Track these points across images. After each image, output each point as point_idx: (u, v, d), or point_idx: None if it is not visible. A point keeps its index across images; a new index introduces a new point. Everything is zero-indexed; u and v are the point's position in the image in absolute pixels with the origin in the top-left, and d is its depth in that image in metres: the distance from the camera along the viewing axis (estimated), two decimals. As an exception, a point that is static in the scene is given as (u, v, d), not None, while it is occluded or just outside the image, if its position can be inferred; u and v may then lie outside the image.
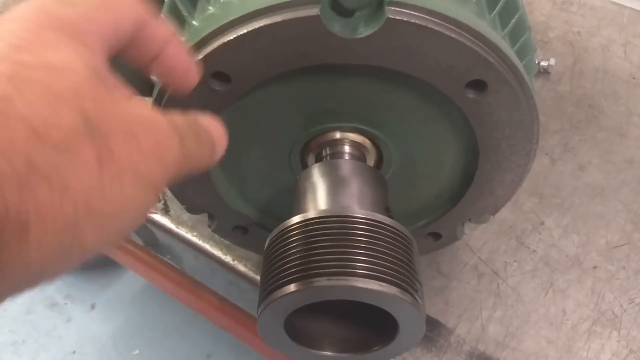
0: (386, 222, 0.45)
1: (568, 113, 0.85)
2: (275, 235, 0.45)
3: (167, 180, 0.31)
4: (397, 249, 0.44)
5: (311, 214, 0.45)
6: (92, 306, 1.59)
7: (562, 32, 0.97)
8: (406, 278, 0.42)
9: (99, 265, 1.62)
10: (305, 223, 0.44)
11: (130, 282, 1.60)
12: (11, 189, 0.23)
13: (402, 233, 0.45)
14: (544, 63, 0.89)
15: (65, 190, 0.24)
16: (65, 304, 1.59)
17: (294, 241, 0.44)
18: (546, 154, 0.79)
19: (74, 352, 1.50)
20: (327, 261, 0.42)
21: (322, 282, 0.40)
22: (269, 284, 0.42)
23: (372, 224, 0.44)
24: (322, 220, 0.44)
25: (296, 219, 0.45)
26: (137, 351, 1.49)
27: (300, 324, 0.46)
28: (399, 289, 0.41)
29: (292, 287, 0.41)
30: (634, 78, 0.90)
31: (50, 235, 0.24)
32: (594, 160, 0.79)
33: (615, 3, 1.03)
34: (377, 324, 0.46)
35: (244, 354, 1.45)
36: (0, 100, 0.24)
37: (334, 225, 0.44)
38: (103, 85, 0.28)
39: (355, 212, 0.45)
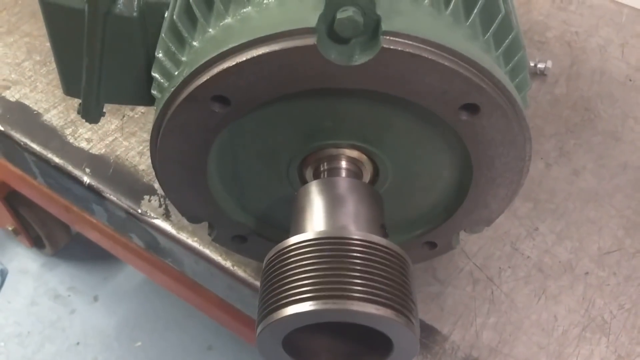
0: (382, 243, 0.46)
1: (564, 116, 0.86)
2: (273, 256, 0.47)
3: None
4: (392, 270, 0.45)
5: (308, 235, 0.46)
6: (95, 298, 1.61)
7: (560, 32, 0.98)
8: (401, 300, 0.44)
9: (100, 258, 1.63)
10: (303, 244, 0.46)
11: (132, 274, 1.62)
12: None
13: (397, 254, 0.46)
14: (540, 65, 0.90)
15: None
16: (69, 296, 1.62)
17: (291, 262, 0.45)
18: (541, 158, 0.80)
19: (77, 343, 1.52)
20: (323, 284, 0.43)
21: (319, 305, 0.42)
22: (267, 306, 0.44)
23: (368, 245, 0.45)
24: (319, 241, 0.45)
25: (294, 239, 0.46)
26: (139, 343, 1.52)
27: (298, 340, 0.48)
28: (394, 312, 0.42)
29: (288, 310, 0.42)
30: (630, 80, 0.90)
31: None
32: (589, 165, 0.80)
33: (614, 1, 1.03)
34: (373, 339, 0.48)
35: (244, 346, 1.48)
36: None
37: (330, 247, 0.45)
38: None
39: (351, 234, 0.46)
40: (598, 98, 0.88)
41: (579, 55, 0.94)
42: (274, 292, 0.44)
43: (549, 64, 0.90)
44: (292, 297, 0.43)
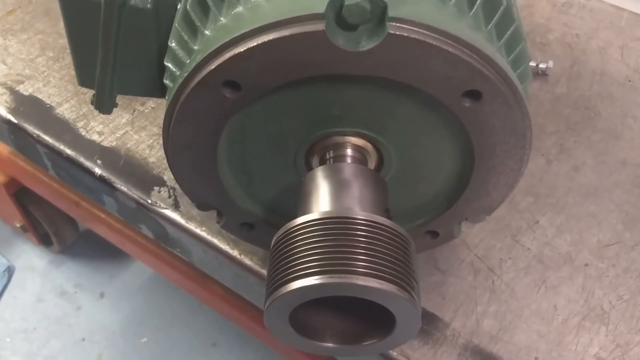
0: (385, 223, 0.47)
1: (565, 115, 0.87)
2: (281, 235, 0.48)
3: None
4: (396, 249, 0.47)
5: (315, 214, 0.48)
6: (101, 295, 1.63)
7: (561, 35, 1.00)
8: (403, 276, 0.45)
9: (107, 255, 1.66)
10: (309, 223, 0.47)
11: (138, 272, 1.64)
12: None
13: (400, 234, 0.48)
14: (542, 65, 0.91)
15: None
16: (75, 292, 1.63)
17: (298, 240, 0.47)
18: (542, 154, 0.82)
19: (83, 339, 1.54)
20: (329, 259, 0.45)
21: (325, 279, 0.44)
22: (275, 281, 0.46)
23: (372, 225, 0.47)
24: (325, 220, 0.47)
25: (301, 219, 0.48)
26: (144, 339, 1.53)
27: (304, 317, 0.49)
28: (397, 287, 0.44)
29: (296, 284, 0.44)
30: (629, 81, 0.92)
31: None
32: (589, 161, 0.82)
33: (614, 6, 1.05)
34: (376, 318, 0.49)
35: (248, 342, 1.50)
36: None
37: (336, 226, 0.47)
38: None
39: (356, 214, 0.48)
40: (598, 97, 0.90)
41: (579, 56, 0.96)
42: (281, 268, 0.46)
43: (551, 64, 0.92)
44: (299, 272, 0.45)
